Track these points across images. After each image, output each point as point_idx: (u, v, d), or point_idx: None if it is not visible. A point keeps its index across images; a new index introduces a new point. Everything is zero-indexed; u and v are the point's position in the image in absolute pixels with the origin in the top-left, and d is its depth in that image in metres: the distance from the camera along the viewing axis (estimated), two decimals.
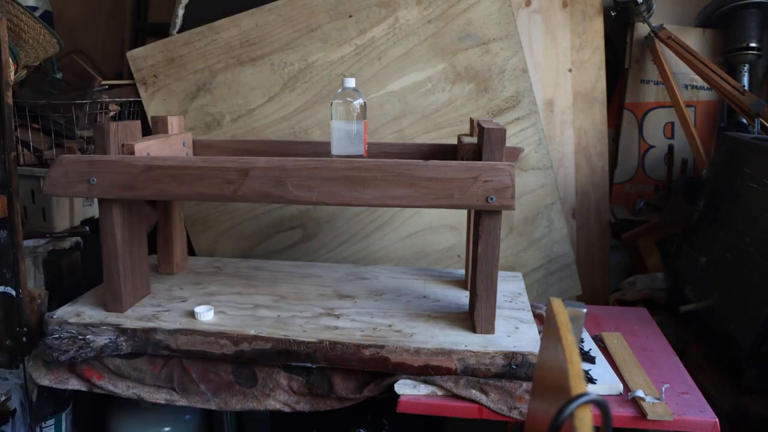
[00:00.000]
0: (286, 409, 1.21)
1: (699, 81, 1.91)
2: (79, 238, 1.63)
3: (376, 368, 1.17)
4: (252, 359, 1.20)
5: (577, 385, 0.52)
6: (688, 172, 1.94)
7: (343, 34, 1.69)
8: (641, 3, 1.85)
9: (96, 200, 1.56)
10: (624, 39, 1.98)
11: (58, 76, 1.63)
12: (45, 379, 1.26)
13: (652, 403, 1.13)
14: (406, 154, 1.46)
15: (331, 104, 1.32)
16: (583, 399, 0.49)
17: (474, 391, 1.14)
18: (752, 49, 1.85)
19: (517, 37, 1.69)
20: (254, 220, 1.76)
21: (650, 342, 1.43)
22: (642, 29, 1.93)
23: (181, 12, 1.78)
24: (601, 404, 0.50)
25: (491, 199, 1.12)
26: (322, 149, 1.48)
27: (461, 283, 1.49)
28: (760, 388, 1.32)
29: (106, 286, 1.28)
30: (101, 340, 1.23)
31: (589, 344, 1.35)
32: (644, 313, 1.61)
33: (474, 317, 1.22)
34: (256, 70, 1.71)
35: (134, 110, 1.77)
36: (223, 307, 1.32)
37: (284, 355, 1.19)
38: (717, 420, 1.10)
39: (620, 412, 1.12)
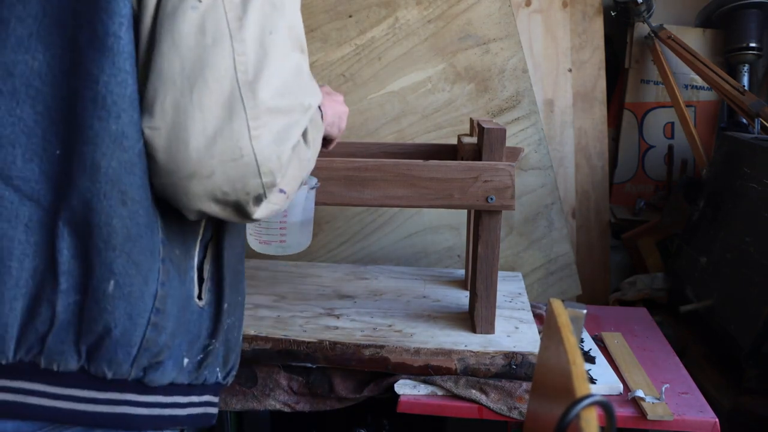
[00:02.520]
0: (286, 409, 1.21)
1: (699, 81, 1.91)
2: None
3: (376, 368, 1.17)
4: (252, 359, 1.20)
5: (582, 387, 0.52)
6: (688, 172, 1.94)
7: (343, 34, 1.68)
8: (641, 3, 1.85)
9: None
10: (624, 39, 1.98)
11: None
12: None
13: (652, 403, 1.13)
14: (406, 154, 1.46)
15: None
16: (589, 400, 0.49)
17: (474, 391, 1.14)
18: (752, 49, 1.85)
19: (517, 37, 1.69)
20: None
21: (650, 342, 1.43)
22: (642, 29, 1.93)
23: None
24: (605, 406, 0.50)
25: (491, 199, 1.12)
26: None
27: (461, 283, 1.49)
28: (760, 388, 1.32)
29: None
30: None
31: (589, 344, 1.35)
32: (644, 313, 1.60)
33: (474, 317, 1.22)
34: None
35: None
36: None
37: (284, 355, 1.18)
38: (717, 420, 1.10)
39: (620, 412, 1.12)
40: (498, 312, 1.24)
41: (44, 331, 0.62)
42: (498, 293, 1.22)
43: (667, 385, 1.19)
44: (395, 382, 1.16)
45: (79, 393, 0.64)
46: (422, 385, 1.16)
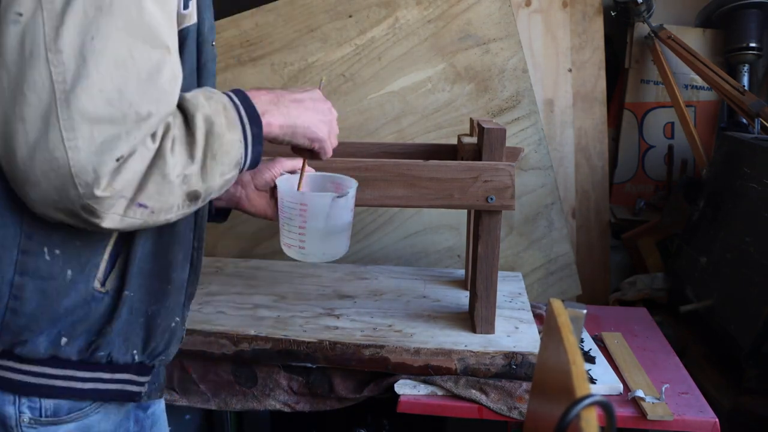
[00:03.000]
0: (286, 409, 1.21)
1: (699, 81, 1.91)
2: None
3: (376, 368, 1.17)
4: (252, 359, 1.20)
5: (582, 387, 0.52)
6: (688, 172, 1.94)
7: (343, 34, 1.68)
8: (641, 3, 1.85)
9: None
10: (624, 39, 1.98)
11: None
12: None
13: (652, 403, 1.13)
14: (406, 154, 1.45)
15: None
16: (589, 401, 0.49)
17: (474, 391, 1.14)
18: (752, 49, 1.85)
19: (517, 37, 1.69)
20: (254, 220, 1.76)
21: (650, 342, 1.43)
22: (642, 29, 1.93)
23: None
24: (605, 405, 0.50)
25: (491, 199, 1.12)
26: None
27: (461, 283, 1.49)
28: (760, 388, 1.32)
29: None
30: None
31: (589, 344, 1.35)
32: (644, 313, 1.60)
33: (474, 317, 1.22)
34: (256, 70, 1.71)
35: None
36: (223, 307, 1.32)
37: (284, 355, 1.19)
38: (717, 420, 1.10)
39: (620, 412, 1.12)
40: (498, 312, 1.24)
41: None
42: (498, 293, 1.22)
43: (667, 385, 1.19)
44: (395, 382, 1.16)
45: None
46: (422, 385, 1.16)
